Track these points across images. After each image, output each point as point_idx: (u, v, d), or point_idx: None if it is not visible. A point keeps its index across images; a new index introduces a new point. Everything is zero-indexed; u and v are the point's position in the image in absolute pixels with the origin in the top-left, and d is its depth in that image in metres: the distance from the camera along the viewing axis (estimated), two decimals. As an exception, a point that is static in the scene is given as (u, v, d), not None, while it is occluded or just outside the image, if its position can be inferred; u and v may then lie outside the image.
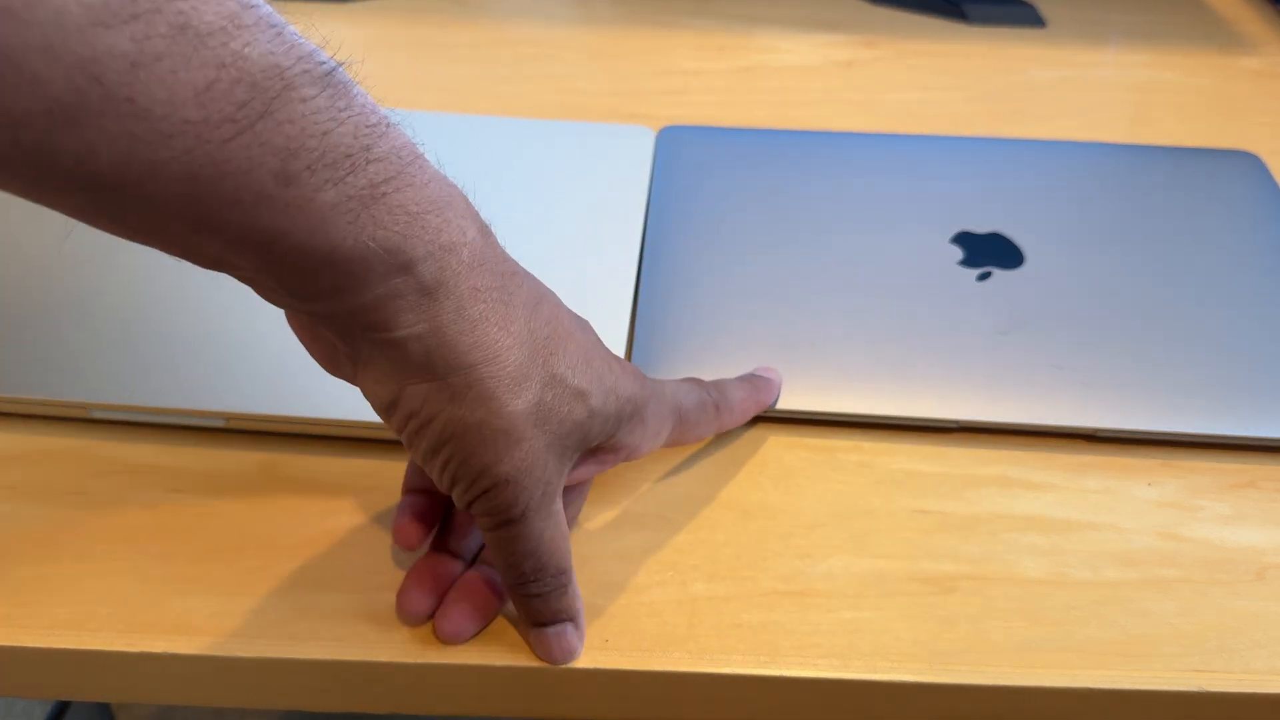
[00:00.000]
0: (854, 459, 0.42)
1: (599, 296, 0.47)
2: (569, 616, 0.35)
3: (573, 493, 0.38)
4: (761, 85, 0.65)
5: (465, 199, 0.31)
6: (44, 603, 0.36)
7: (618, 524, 0.39)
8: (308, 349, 0.33)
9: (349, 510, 0.40)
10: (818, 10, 0.73)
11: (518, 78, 0.65)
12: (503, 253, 0.32)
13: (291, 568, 0.38)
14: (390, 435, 0.41)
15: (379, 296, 0.29)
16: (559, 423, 0.32)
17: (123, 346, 0.43)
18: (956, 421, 0.43)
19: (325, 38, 0.27)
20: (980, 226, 0.50)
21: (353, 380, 0.32)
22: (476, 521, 0.33)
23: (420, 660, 0.35)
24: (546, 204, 0.52)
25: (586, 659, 0.35)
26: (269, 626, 0.36)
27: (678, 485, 0.41)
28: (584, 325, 0.35)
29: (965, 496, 0.41)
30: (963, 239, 0.50)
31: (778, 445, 0.42)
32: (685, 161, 0.55)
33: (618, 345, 0.44)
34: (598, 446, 0.34)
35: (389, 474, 0.41)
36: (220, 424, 0.42)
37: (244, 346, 0.44)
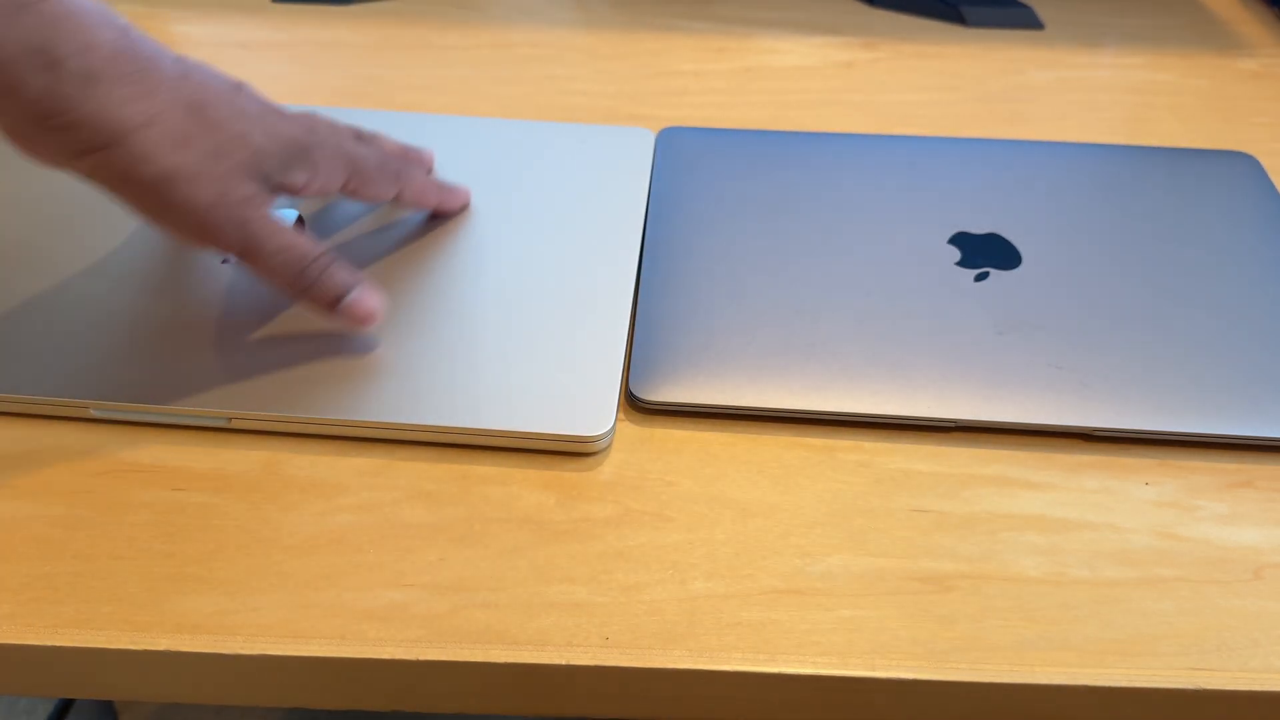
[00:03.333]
0: (853, 458, 0.42)
1: (599, 297, 0.47)
2: (353, 281, 0.42)
3: None
4: (761, 86, 0.65)
5: (103, 11, 0.38)
6: (46, 601, 0.36)
7: (618, 523, 0.39)
8: (21, 148, 0.38)
9: (350, 509, 0.40)
10: (817, 12, 0.73)
11: (518, 79, 0.65)
12: (144, 44, 0.39)
13: (293, 566, 0.38)
14: (391, 435, 0.41)
15: (41, 89, 0.36)
16: (229, 158, 0.39)
17: (123, 346, 0.44)
18: (955, 421, 0.43)
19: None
20: (978, 227, 0.51)
21: (52, 164, 0.39)
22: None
23: (420, 659, 0.35)
24: (547, 205, 0.52)
25: (587, 657, 0.35)
26: (270, 625, 0.36)
27: (677, 484, 0.41)
28: (237, 87, 0.42)
29: (963, 496, 0.41)
30: (960, 239, 0.50)
31: (778, 445, 0.43)
32: (685, 162, 0.55)
33: (618, 345, 0.45)
34: (276, 184, 0.41)
35: (391, 473, 0.41)
36: (222, 423, 0.42)
37: (245, 346, 0.44)
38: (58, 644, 0.35)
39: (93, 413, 0.42)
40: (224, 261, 0.48)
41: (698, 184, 0.53)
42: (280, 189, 0.42)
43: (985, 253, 0.49)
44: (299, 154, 0.42)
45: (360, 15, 0.71)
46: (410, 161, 0.50)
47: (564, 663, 0.35)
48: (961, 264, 0.49)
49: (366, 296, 0.42)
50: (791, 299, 0.47)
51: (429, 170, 0.52)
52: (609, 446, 0.42)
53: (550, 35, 0.70)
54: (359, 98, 0.62)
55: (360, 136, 0.48)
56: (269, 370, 0.43)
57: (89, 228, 0.50)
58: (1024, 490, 0.41)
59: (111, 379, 0.42)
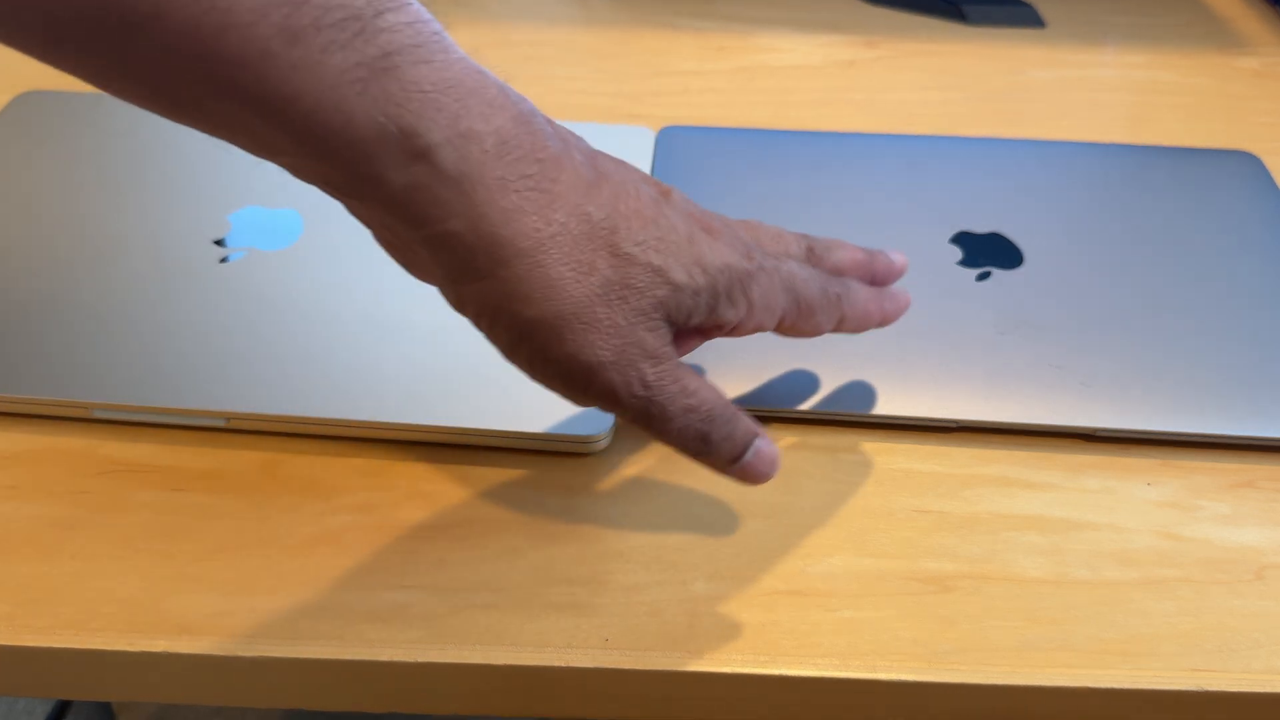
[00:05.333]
0: (853, 458, 0.42)
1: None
2: (754, 434, 0.34)
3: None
4: (761, 85, 0.65)
5: (499, 88, 0.30)
6: (45, 602, 0.36)
7: (618, 523, 0.39)
8: (397, 260, 0.32)
9: (349, 510, 0.40)
10: (817, 11, 0.73)
11: (518, 78, 0.65)
12: (545, 138, 0.30)
13: (292, 567, 0.38)
14: (390, 435, 0.41)
15: (404, 187, 0.28)
16: (638, 299, 0.31)
17: (123, 346, 0.44)
18: (956, 421, 0.43)
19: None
20: (979, 226, 0.50)
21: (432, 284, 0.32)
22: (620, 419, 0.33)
23: (420, 659, 0.35)
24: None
25: (587, 658, 0.35)
26: (269, 626, 0.36)
27: (678, 485, 0.41)
28: (664, 196, 0.33)
29: (965, 496, 0.41)
30: (962, 239, 0.50)
31: (777, 445, 0.42)
32: (685, 161, 0.55)
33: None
34: (697, 326, 0.33)
35: (390, 474, 0.41)
36: (221, 424, 0.42)
37: (244, 346, 0.44)
38: (56, 645, 0.35)
39: (93, 413, 0.42)
40: (223, 261, 0.48)
41: (698, 183, 0.53)
42: (699, 331, 0.34)
43: (987, 252, 0.49)
44: (732, 289, 0.33)
45: (360, 14, 0.71)
46: (850, 278, 0.39)
47: (564, 664, 0.35)
48: (963, 264, 0.48)
49: (766, 451, 0.35)
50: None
51: (874, 278, 0.40)
52: (609, 447, 0.42)
53: (550, 34, 0.70)
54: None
55: (799, 249, 0.38)
56: (268, 370, 0.43)
57: (89, 228, 0.49)
58: (1025, 490, 0.41)
59: (111, 379, 0.42)
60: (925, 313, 0.46)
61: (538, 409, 0.41)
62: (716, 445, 0.34)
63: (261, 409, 0.41)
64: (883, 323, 0.40)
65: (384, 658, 0.35)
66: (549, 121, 0.31)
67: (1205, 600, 0.37)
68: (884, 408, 0.43)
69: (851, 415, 0.43)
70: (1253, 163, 0.55)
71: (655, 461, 0.42)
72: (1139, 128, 0.62)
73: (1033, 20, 0.72)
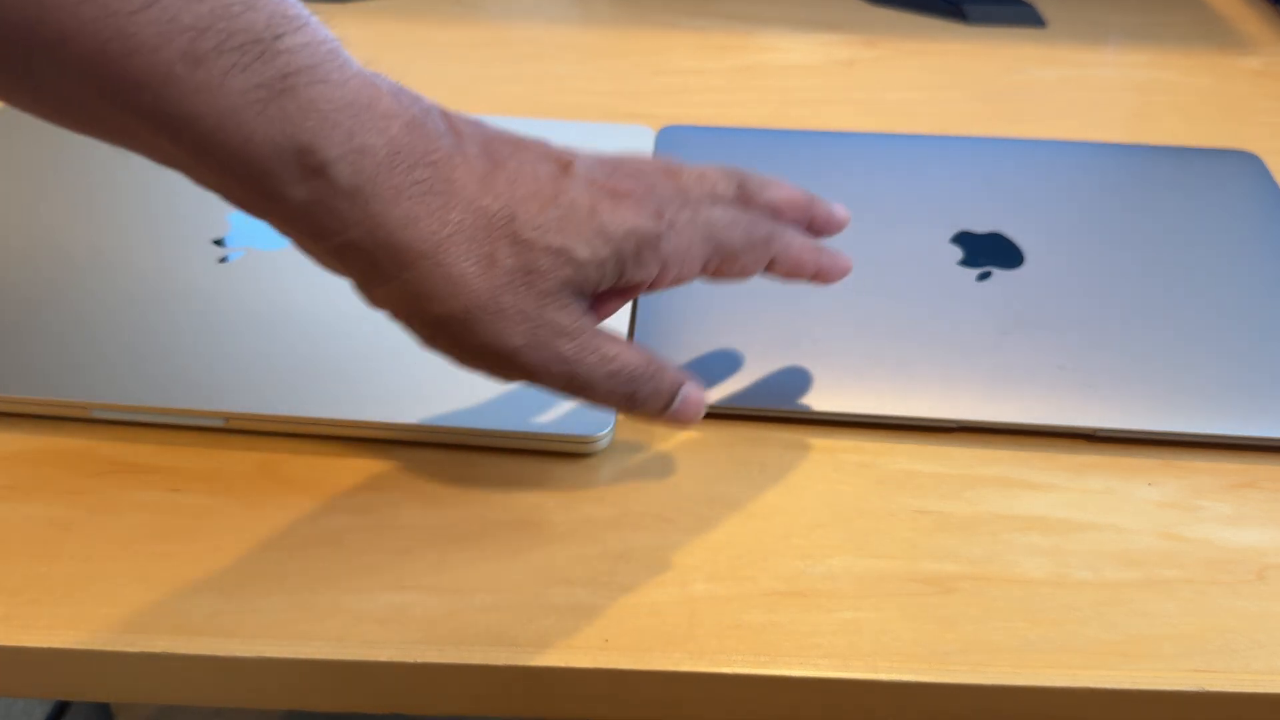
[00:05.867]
0: (854, 459, 0.42)
1: (599, 296, 0.46)
2: (679, 383, 0.36)
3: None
4: (761, 85, 0.65)
5: (392, 97, 0.30)
6: (44, 602, 0.36)
7: (618, 524, 0.39)
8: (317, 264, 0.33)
9: (349, 510, 0.40)
10: (817, 10, 0.73)
11: (518, 78, 0.65)
12: (437, 139, 0.31)
13: (291, 568, 0.38)
14: (390, 435, 0.41)
15: (302, 203, 0.29)
16: (542, 281, 0.32)
17: (123, 346, 0.43)
18: (957, 421, 0.42)
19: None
20: (980, 226, 0.50)
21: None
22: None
23: (420, 660, 0.35)
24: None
25: (587, 659, 0.35)
26: (269, 626, 0.36)
27: (678, 485, 0.41)
28: (564, 169, 0.34)
29: (966, 497, 0.41)
30: (963, 239, 0.50)
31: (778, 445, 0.42)
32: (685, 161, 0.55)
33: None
34: (610, 288, 0.34)
35: (389, 474, 0.41)
36: (220, 424, 0.42)
37: (244, 346, 0.44)
38: (55, 645, 0.35)
39: (92, 413, 0.42)
40: (222, 261, 0.48)
41: (698, 183, 0.53)
42: (616, 293, 0.35)
43: (988, 252, 0.49)
44: (641, 251, 0.34)
45: (359, 13, 0.71)
46: (784, 217, 0.39)
47: (564, 665, 0.35)
48: (964, 263, 0.48)
49: (693, 395, 0.36)
50: (792, 298, 0.46)
51: (813, 224, 0.40)
52: (609, 447, 0.42)
53: (549, 33, 0.70)
54: (358, 96, 0.62)
55: (727, 189, 0.38)
56: (267, 370, 0.43)
57: (89, 227, 0.49)
58: (1026, 491, 0.41)
59: (110, 379, 0.42)
60: (926, 313, 0.46)
61: (538, 409, 0.41)
62: (644, 401, 0.35)
63: (261, 409, 0.41)
64: (817, 277, 0.39)
65: (384, 658, 0.35)
66: (444, 116, 0.32)
67: (1207, 601, 0.37)
68: (884, 408, 0.43)
69: (851, 415, 0.43)
70: (1254, 163, 0.55)
71: (655, 461, 0.42)
72: (1140, 127, 0.62)
73: (1033, 20, 0.72)
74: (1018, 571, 0.38)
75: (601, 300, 0.36)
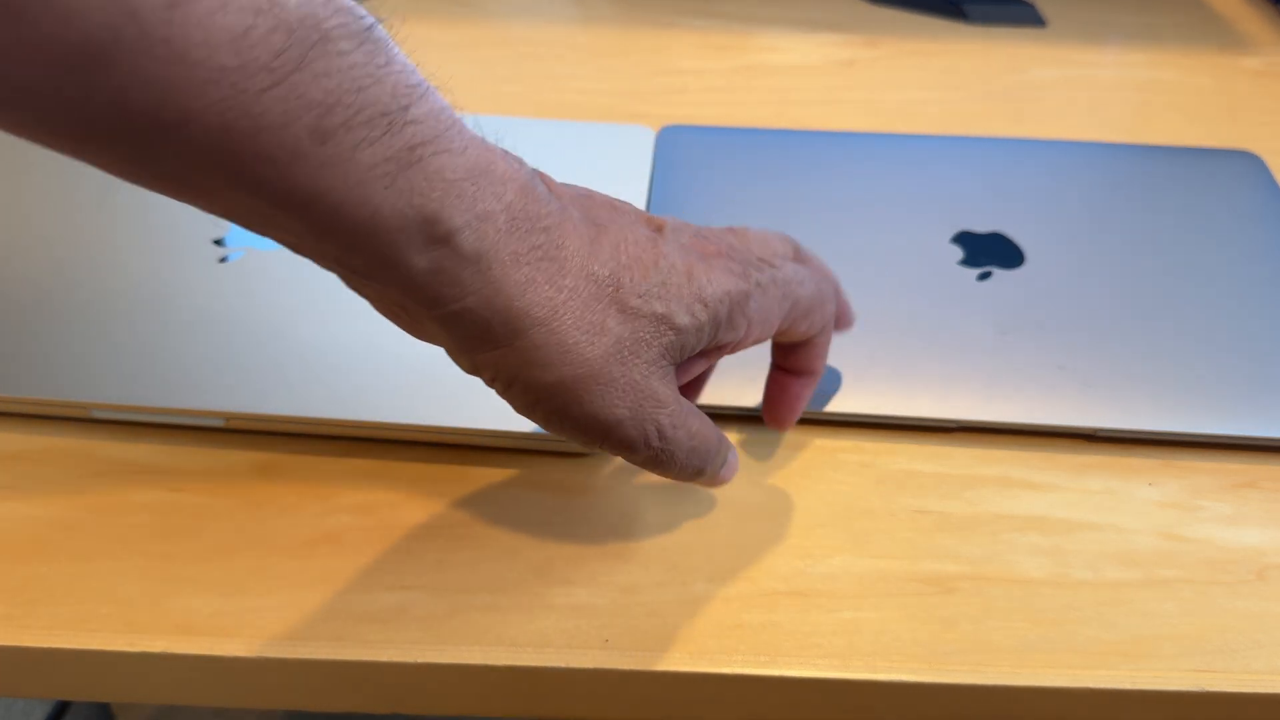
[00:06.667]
0: (854, 459, 0.42)
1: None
2: (729, 451, 0.36)
3: (696, 381, 0.40)
4: (761, 85, 0.65)
5: (504, 160, 0.30)
6: (44, 602, 0.36)
7: (618, 524, 0.39)
8: (398, 325, 0.32)
9: (349, 510, 0.40)
10: (817, 10, 0.73)
11: (517, 77, 0.65)
12: (546, 203, 0.31)
13: (291, 568, 0.38)
14: (390, 435, 0.41)
15: (425, 271, 0.28)
16: (647, 350, 0.32)
17: (123, 346, 0.43)
18: (957, 421, 0.42)
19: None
20: (981, 226, 0.50)
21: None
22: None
23: (420, 660, 0.35)
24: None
25: (587, 659, 0.35)
26: (269, 626, 0.36)
27: (678, 485, 0.41)
28: (657, 233, 0.33)
29: (966, 496, 0.41)
30: (963, 239, 0.50)
31: (778, 445, 0.42)
32: (685, 161, 0.55)
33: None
34: (701, 350, 0.34)
35: (389, 474, 0.41)
36: (220, 424, 0.42)
37: (244, 346, 0.44)
38: (54, 645, 0.35)
39: (92, 413, 0.42)
40: (222, 261, 0.48)
41: (698, 183, 0.53)
42: (702, 355, 0.35)
43: (988, 252, 0.49)
44: (733, 314, 0.34)
45: (360, 13, 0.71)
46: (831, 278, 0.40)
47: (564, 665, 0.35)
48: (964, 263, 0.48)
49: (734, 461, 0.37)
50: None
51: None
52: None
53: (549, 33, 0.70)
54: (358, 96, 0.62)
55: (788, 250, 0.38)
56: (267, 370, 0.43)
57: (88, 227, 0.49)
58: (1027, 491, 0.41)
59: (110, 379, 0.42)
60: (926, 313, 0.46)
61: (538, 409, 0.41)
62: (706, 474, 0.36)
63: (260, 409, 0.41)
64: (846, 326, 0.42)
65: (384, 658, 0.35)
66: (545, 179, 0.32)
67: (1207, 601, 0.37)
68: (884, 408, 0.43)
69: (851, 415, 0.43)
70: (1254, 163, 0.55)
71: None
72: (1140, 127, 0.62)
73: (1034, 19, 0.72)
74: (1018, 571, 0.38)
75: (687, 364, 0.35)
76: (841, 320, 0.41)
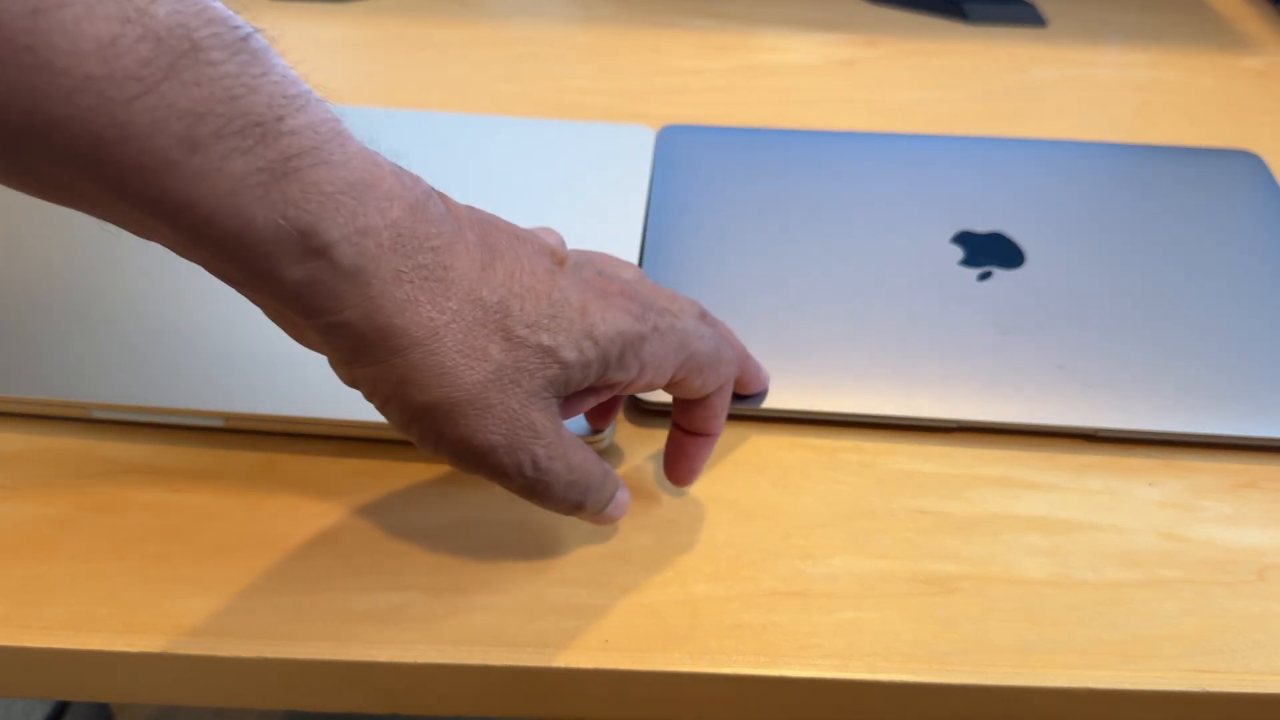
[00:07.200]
0: (854, 459, 0.42)
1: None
2: (616, 488, 0.36)
3: (606, 409, 0.40)
4: (762, 84, 0.65)
5: (395, 176, 0.29)
6: (43, 602, 0.36)
7: (618, 524, 0.39)
8: (282, 329, 0.32)
9: (349, 510, 0.40)
10: (818, 10, 0.73)
11: (517, 77, 0.65)
12: (439, 223, 0.30)
13: (291, 568, 0.37)
14: (390, 435, 0.41)
15: (299, 283, 0.28)
16: (529, 380, 0.31)
17: (123, 346, 0.43)
18: (957, 421, 0.42)
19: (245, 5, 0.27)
20: (981, 226, 0.50)
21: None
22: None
23: (420, 660, 0.35)
24: (546, 204, 0.52)
25: (587, 659, 0.35)
26: (268, 626, 0.36)
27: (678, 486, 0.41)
28: (551, 271, 0.33)
29: (966, 497, 0.41)
30: (963, 239, 0.50)
31: (778, 445, 0.42)
32: (685, 161, 0.55)
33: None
34: (589, 387, 0.34)
35: (389, 474, 0.41)
36: (219, 424, 0.42)
37: (244, 346, 0.44)
38: (54, 645, 0.35)
39: (92, 413, 0.42)
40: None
41: (698, 183, 0.53)
42: (590, 391, 0.35)
43: (988, 252, 0.49)
44: (624, 354, 0.33)
45: (358, 12, 0.71)
46: (735, 344, 0.41)
47: (563, 665, 0.35)
48: (964, 263, 0.48)
49: (623, 498, 0.37)
50: (792, 298, 0.46)
51: (743, 375, 0.42)
52: (608, 448, 0.42)
53: (549, 32, 0.70)
54: (357, 95, 0.62)
55: (694, 310, 0.38)
56: (266, 370, 0.43)
57: (88, 226, 0.49)
58: (1027, 491, 0.41)
59: (109, 379, 0.42)
60: (926, 312, 0.46)
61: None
62: (588, 508, 0.35)
63: (260, 409, 0.41)
64: (758, 390, 0.42)
65: (383, 658, 0.35)
66: (442, 200, 0.31)
67: (1207, 601, 0.37)
68: (884, 408, 0.43)
69: (851, 415, 0.43)
70: (1255, 163, 0.55)
71: (655, 462, 0.42)
72: (1141, 127, 0.62)
73: (1034, 19, 0.72)
74: (1018, 571, 0.38)
75: (573, 399, 0.35)
76: (753, 383, 0.42)
